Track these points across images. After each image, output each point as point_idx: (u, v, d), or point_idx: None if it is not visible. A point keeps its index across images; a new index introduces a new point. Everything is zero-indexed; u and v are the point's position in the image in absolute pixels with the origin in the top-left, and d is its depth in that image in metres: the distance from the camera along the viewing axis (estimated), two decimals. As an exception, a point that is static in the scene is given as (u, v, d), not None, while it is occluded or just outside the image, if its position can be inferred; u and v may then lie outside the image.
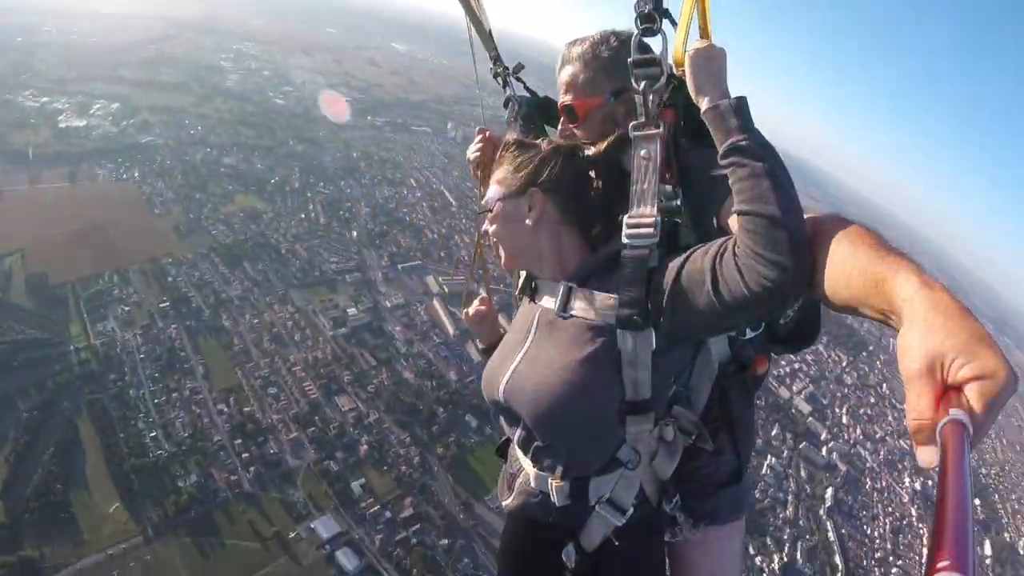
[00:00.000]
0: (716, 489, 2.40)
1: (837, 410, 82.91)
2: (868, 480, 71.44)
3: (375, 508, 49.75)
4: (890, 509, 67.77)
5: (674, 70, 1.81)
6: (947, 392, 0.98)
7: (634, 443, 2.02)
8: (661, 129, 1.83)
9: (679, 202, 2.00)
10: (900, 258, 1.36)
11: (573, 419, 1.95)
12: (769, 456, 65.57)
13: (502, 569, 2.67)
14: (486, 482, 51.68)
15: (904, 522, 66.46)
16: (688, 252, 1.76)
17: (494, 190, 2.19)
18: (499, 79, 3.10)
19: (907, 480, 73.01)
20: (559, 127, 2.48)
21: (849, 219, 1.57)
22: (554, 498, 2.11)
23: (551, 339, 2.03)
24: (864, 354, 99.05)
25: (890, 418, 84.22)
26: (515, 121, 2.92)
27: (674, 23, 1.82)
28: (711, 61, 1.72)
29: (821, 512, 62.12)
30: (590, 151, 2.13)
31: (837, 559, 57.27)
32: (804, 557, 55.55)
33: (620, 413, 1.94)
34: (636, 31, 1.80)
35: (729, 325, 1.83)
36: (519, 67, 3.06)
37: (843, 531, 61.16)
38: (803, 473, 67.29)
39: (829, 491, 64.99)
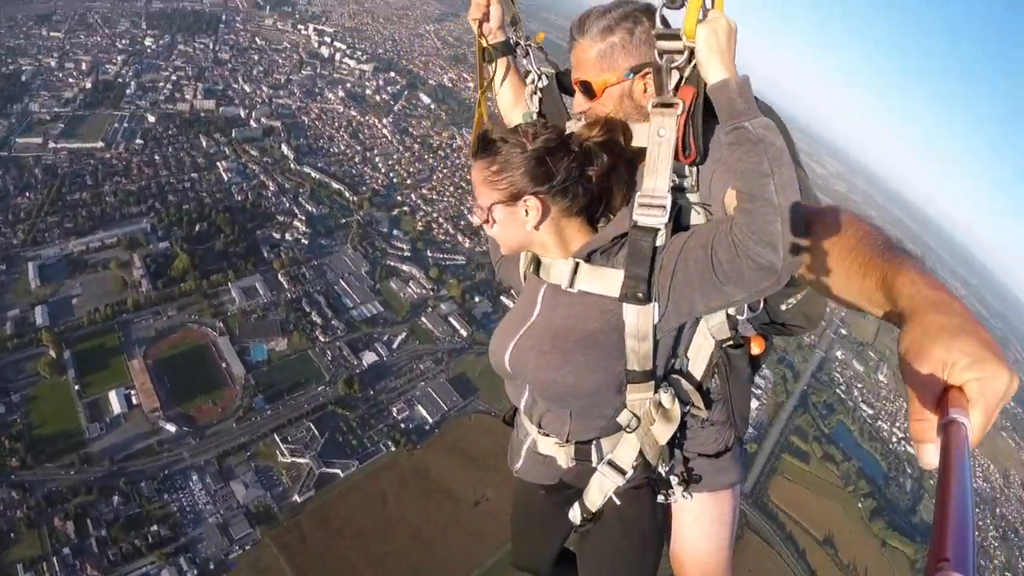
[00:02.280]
0: (708, 458, 2.51)
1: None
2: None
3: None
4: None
5: (685, 43, 1.78)
6: (947, 392, 1.00)
7: (634, 408, 2.18)
8: (679, 108, 1.85)
9: (693, 181, 2.04)
10: (903, 256, 1.42)
11: (577, 388, 2.12)
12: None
13: (515, 530, 3.14)
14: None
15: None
16: (692, 230, 1.90)
17: (484, 195, 2.13)
18: (519, 49, 2.89)
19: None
20: (574, 102, 2.42)
21: (853, 213, 1.64)
22: (559, 461, 2.40)
23: (556, 311, 2.17)
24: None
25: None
26: (535, 94, 2.79)
27: None
28: (722, 35, 1.71)
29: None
30: (584, 134, 2.11)
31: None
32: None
33: (621, 382, 2.11)
34: (660, 3, 1.82)
35: (726, 302, 1.87)
36: (541, 37, 2.89)
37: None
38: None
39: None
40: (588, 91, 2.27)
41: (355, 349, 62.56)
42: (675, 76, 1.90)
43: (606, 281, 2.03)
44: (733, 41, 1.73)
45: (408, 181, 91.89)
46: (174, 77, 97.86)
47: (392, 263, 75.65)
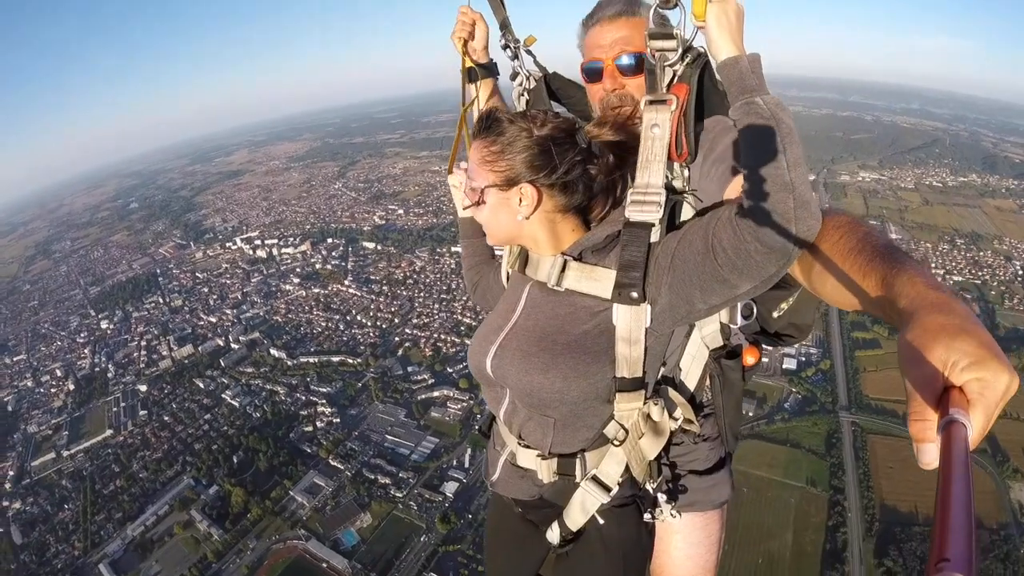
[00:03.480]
0: (699, 475, 2.61)
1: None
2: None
3: None
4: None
5: (695, 23, 1.81)
6: (947, 392, 1.00)
7: (622, 420, 2.13)
8: (673, 104, 1.93)
9: (684, 183, 2.10)
10: (903, 258, 1.42)
11: (563, 394, 2.03)
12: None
13: (488, 552, 2.92)
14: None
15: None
16: (689, 223, 1.90)
17: (480, 175, 2.08)
18: (508, 51, 2.99)
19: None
20: (602, 85, 2.45)
21: (851, 216, 1.68)
22: (540, 475, 2.28)
23: (542, 311, 2.14)
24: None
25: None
26: (523, 96, 2.98)
27: None
28: (732, 14, 1.74)
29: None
30: (593, 132, 2.09)
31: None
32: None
33: (610, 390, 2.04)
34: (655, 1, 1.89)
35: (728, 295, 1.79)
36: (531, 40, 2.98)
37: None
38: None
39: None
40: (640, 67, 2.29)
41: (434, 487, 63.19)
42: (668, 75, 1.98)
43: (597, 281, 2.01)
44: (742, 21, 1.75)
45: (395, 320, 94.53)
46: (143, 343, 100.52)
47: (423, 396, 77.06)
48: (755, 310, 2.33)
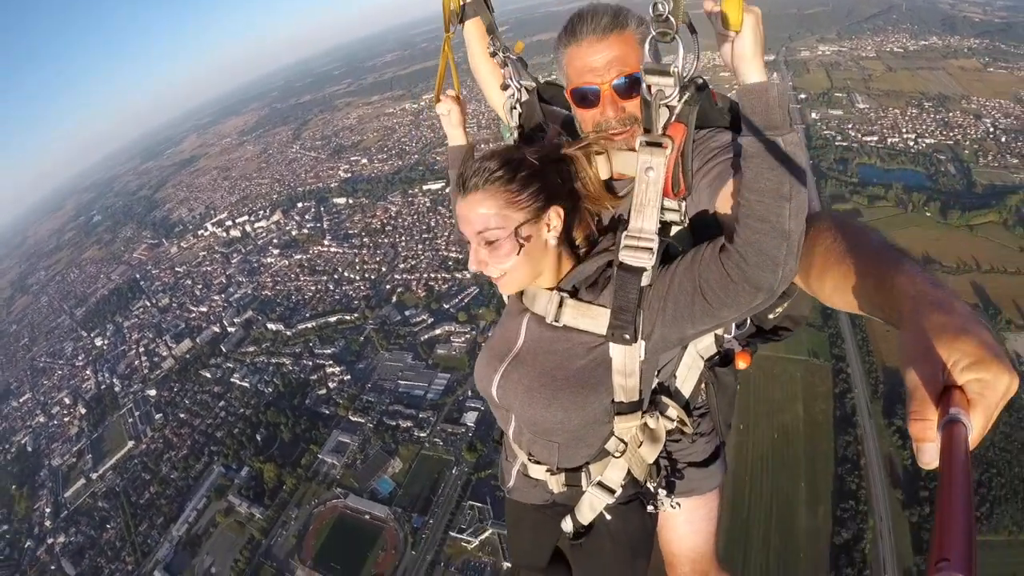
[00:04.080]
0: (697, 466, 2.76)
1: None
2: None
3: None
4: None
5: (726, 31, 1.60)
6: (948, 392, 1.00)
7: (621, 435, 2.26)
8: (668, 148, 1.88)
9: (683, 216, 2.06)
10: (901, 256, 1.43)
11: (564, 424, 2.16)
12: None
13: (511, 535, 3.07)
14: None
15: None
16: (678, 261, 1.91)
17: (508, 218, 2.02)
18: (496, 58, 2.92)
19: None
20: (599, 111, 2.22)
21: (849, 217, 1.67)
22: (550, 486, 2.44)
23: (541, 346, 2.21)
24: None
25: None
26: (515, 108, 2.86)
27: (693, 31, 1.78)
28: (762, 28, 1.62)
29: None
30: (572, 152, 2.15)
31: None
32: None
33: (608, 414, 2.17)
34: (652, 33, 1.78)
35: (717, 324, 1.91)
36: (520, 47, 2.92)
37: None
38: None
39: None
40: (639, 86, 2.04)
41: (454, 421, 64.42)
42: (664, 113, 1.91)
43: (592, 319, 2.07)
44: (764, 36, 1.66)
45: (383, 269, 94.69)
46: (141, 349, 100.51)
47: (426, 336, 77.56)
48: (748, 320, 2.45)
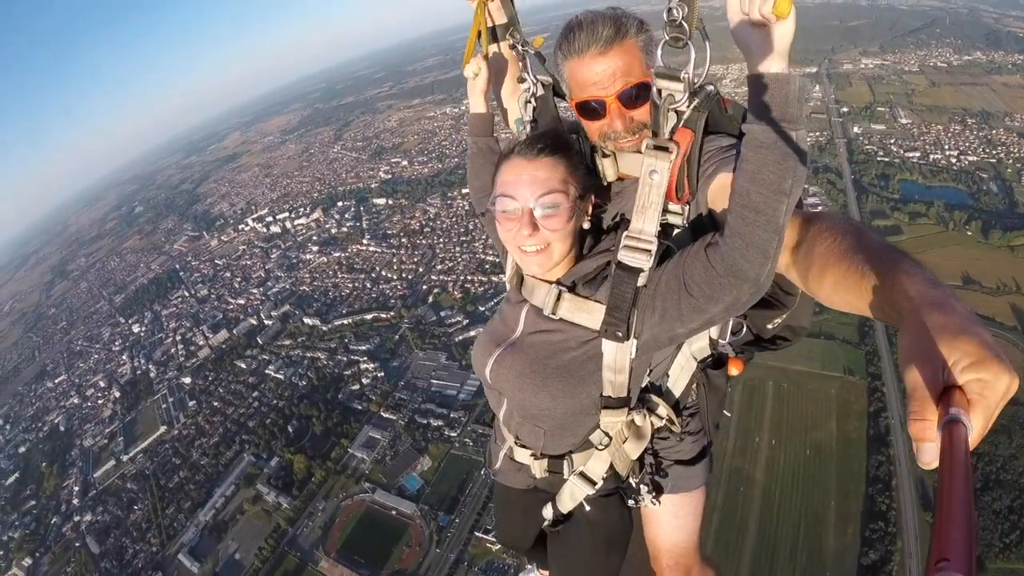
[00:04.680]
0: (683, 464, 2.83)
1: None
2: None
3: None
4: None
5: (771, 16, 1.49)
6: (948, 392, 1.01)
7: (607, 429, 2.36)
8: (674, 154, 1.92)
9: (685, 219, 2.16)
10: (901, 257, 1.44)
11: (551, 411, 2.27)
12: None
13: (499, 517, 3.36)
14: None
15: None
16: (670, 261, 1.96)
17: (569, 188, 2.09)
18: (515, 52, 2.93)
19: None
20: (606, 122, 2.26)
21: (848, 217, 1.69)
22: (533, 470, 2.59)
23: (536, 336, 2.29)
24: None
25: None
26: (530, 103, 2.85)
27: (706, 37, 1.84)
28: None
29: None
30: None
31: None
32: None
33: (596, 407, 2.27)
34: (664, 37, 1.82)
35: (706, 320, 1.92)
36: (540, 41, 2.90)
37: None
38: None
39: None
40: (645, 94, 2.14)
41: (485, 422, 63.70)
42: (672, 118, 1.95)
43: (588, 314, 2.13)
44: None
45: (420, 270, 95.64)
46: (178, 337, 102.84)
47: (460, 337, 78.08)
48: (744, 327, 2.51)
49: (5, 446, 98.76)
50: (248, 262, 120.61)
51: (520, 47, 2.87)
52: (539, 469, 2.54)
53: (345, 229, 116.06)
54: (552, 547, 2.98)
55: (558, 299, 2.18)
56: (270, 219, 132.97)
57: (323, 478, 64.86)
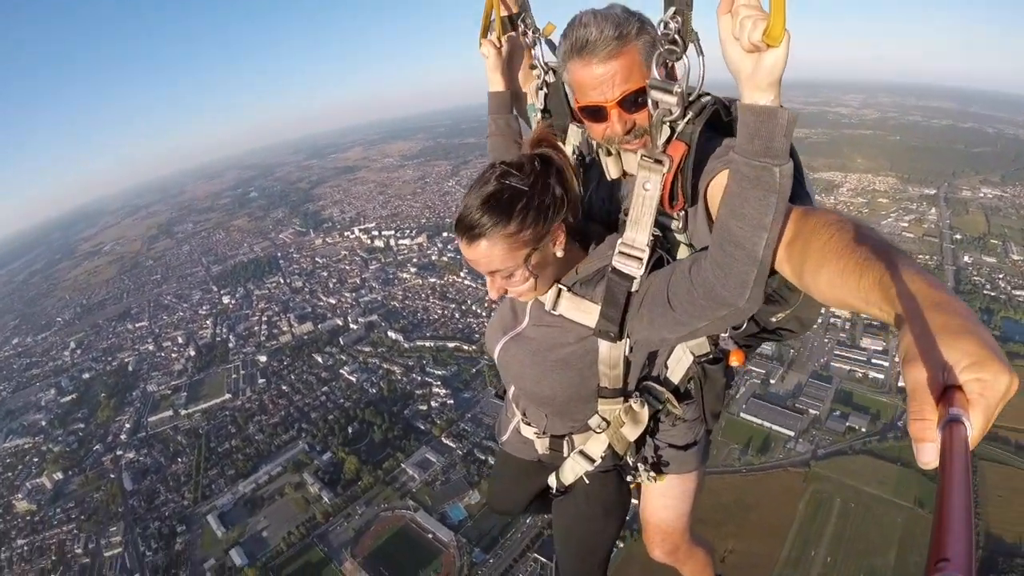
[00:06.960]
0: (677, 449, 2.89)
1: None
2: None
3: None
4: None
5: (765, 43, 1.51)
6: (947, 392, 1.00)
7: (604, 415, 2.56)
8: (666, 166, 1.97)
9: (681, 225, 2.19)
10: (900, 255, 1.43)
11: (551, 399, 2.54)
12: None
13: (494, 480, 3.72)
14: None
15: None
16: (661, 271, 2.09)
17: (513, 258, 2.13)
18: (527, 38, 2.97)
19: None
20: (607, 126, 2.29)
21: (847, 215, 1.70)
22: (536, 447, 2.88)
23: (540, 329, 2.49)
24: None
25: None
26: (542, 89, 2.88)
27: (700, 52, 1.86)
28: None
29: None
30: (562, 155, 2.26)
31: None
32: None
33: (593, 396, 2.49)
34: (660, 48, 1.88)
35: (692, 333, 2.07)
36: (551, 28, 2.88)
37: None
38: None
39: None
40: (646, 98, 2.06)
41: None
42: (666, 131, 1.99)
43: (585, 312, 2.30)
44: None
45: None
46: (264, 318, 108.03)
47: (536, 390, 78.12)
48: (744, 323, 2.43)
49: (71, 368, 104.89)
50: (347, 267, 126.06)
51: (532, 33, 2.91)
52: (542, 446, 2.85)
53: (446, 259, 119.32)
54: (555, 515, 3.32)
55: (558, 297, 2.36)
56: (376, 233, 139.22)
57: (370, 484, 66.08)
